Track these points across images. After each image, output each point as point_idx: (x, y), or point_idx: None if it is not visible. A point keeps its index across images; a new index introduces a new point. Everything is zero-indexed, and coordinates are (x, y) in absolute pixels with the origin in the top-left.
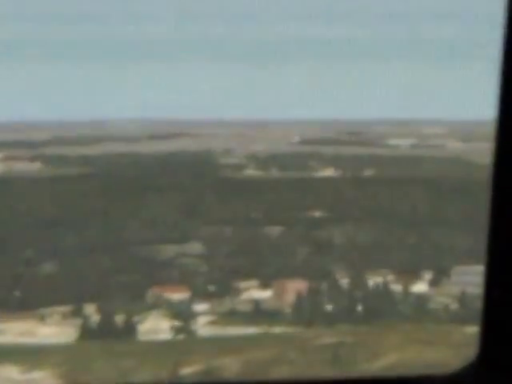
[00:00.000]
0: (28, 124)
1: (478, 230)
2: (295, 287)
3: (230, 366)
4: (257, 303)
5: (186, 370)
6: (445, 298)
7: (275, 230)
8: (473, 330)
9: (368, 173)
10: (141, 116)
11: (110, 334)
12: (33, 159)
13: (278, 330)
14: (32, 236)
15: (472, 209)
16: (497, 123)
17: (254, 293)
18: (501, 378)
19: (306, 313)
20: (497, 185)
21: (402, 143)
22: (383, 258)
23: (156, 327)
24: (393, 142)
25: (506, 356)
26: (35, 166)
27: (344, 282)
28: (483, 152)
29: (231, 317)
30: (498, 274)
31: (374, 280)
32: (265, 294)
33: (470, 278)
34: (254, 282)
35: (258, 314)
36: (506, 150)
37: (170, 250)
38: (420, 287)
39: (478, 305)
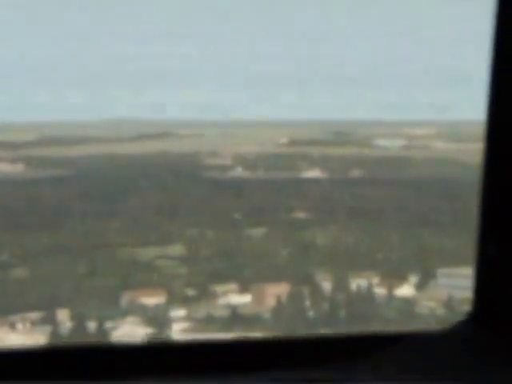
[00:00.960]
0: (11, 124)
1: (466, 231)
2: (275, 291)
3: None
4: (234, 308)
5: None
6: (432, 302)
7: (258, 232)
8: None
9: (355, 173)
10: (127, 116)
11: (82, 341)
12: (14, 161)
13: (256, 336)
14: (4, 239)
15: (461, 210)
16: (486, 123)
17: (233, 297)
18: (494, 335)
19: (287, 318)
20: (487, 182)
21: (390, 144)
22: (368, 260)
23: (130, 333)
24: (381, 142)
25: (500, 313)
26: (17, 168)
27: (326, 285)
28: (471, 152)
29: (208, 322)
30: (491, 229)
31: (357, 283)
32: (243, 299)
33: (458, 281)
34: (233, 286)
35: (236, 319)
36: (495, 150)
37: (148, 253)
38: (405, 291)
39: (465, 309)
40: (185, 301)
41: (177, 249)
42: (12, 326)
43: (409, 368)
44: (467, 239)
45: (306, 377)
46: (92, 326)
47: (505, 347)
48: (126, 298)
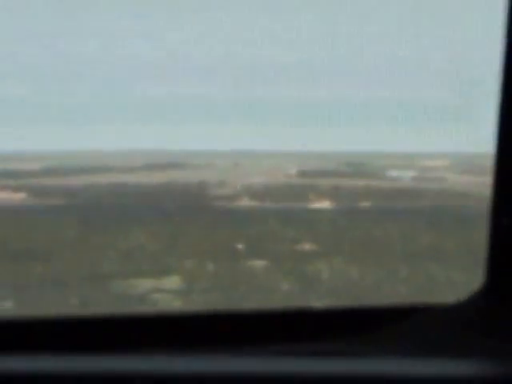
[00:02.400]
0: (16, 154)
1: (475, 264)
2: None
3: None
4: None
5: None
6: None
7: (259, 264)
8: None
9: (365, 204)
10: (135, 147)
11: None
12: (17, 189)
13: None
14: None
15: (470, 242)
16: (495, 157)
17: None
18: (509, 308)
19: None
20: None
21: (401, 175)
22: (374, 293)
23: None
24: (392, 173)
25: None
26: (19, 196)
27: None
28: (482, 184)
29: None
30: (505, 200)
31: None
32: None
33: None
34: None
35: None
36: (504, 182)
37: (144, 285)
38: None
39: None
40: None
41: (172, 281)
42: None
43: (421, 342)
44: (475, 271)
45: (316, 349)
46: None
47: None
48: None
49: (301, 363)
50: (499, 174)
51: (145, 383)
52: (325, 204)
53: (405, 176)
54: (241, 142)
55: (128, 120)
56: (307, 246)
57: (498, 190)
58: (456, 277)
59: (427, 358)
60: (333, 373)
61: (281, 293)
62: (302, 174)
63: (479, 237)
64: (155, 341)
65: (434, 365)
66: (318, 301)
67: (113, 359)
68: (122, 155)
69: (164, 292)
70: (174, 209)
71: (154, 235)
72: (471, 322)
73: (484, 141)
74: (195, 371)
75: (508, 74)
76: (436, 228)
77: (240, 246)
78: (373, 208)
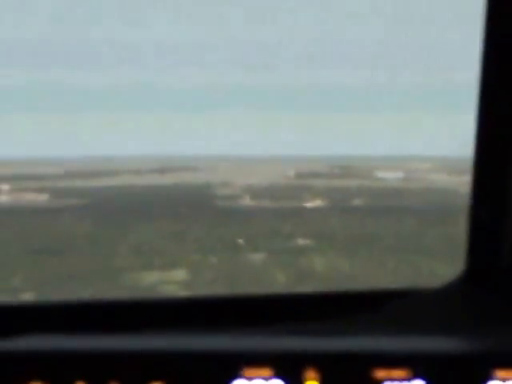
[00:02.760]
0: (38, 159)
1: (455, 255)
2: None
3: None
4: None
5: None
6: None
7: (258, 257)
8: None
9: (356, 203)
10: (146, 152)
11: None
12: (40, 191)
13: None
14: (19, 264)
15: (452, 235)
16: (473, 159)
17: None
18: (486, 292)
19: None
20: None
21: (389, 176)
22: (364, 283)
23: None
24: (381, 174)
25: (491, 271)
26: (42, 198)
27: None
28: (463, 183)
29: None
30: (482, 197)
31: None
32: None
33: None
34: None
35: None
36: (481, 181)
37: (152, 277)
38: None
39: None
40: None
41: (179, 273)
42: None
43: (407, 321)
44: (456, 262)
45: (307, 329)
46: None
47: (495, 303)
48: None
49: (297, 340)
50: (477, 174)
51: (165, 359)
52: (319, 203)
53: (393, 177)
54: (242, 148)
55: (135, 128)
56: (302, 241)
57: (475, 188)
58: (438, 266)
59: (412, 335)
60: (329, 349)
61: (277, 282)
62: (299, 175)
63: (460, 230)
64: (171, 322)
65: (419, 341)
66: (311, 289)
67: (133, 338)
68: (132, 159)
69: (171, 283)
70: (182, 207)
71: (161, 232)
72: (452, 304)
73: (463, 146)
74: (203, 348)
75: (485, 78)
76: (421, 223)
77: (240, 241)
78: (364, 206)
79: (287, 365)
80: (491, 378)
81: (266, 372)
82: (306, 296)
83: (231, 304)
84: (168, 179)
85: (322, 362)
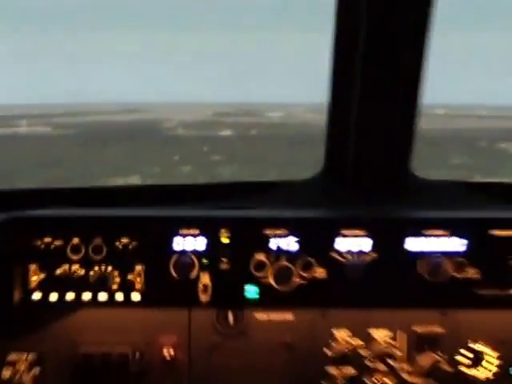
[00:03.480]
0: (49, 104)
1: (317, 158)
2: None
3: None
4: None
5: None
6: None
7: (187, 168)
8: None
9: (252, 133)
10: (115, 99)
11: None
12: (46, 125)
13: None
14: (29, 174)
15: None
16: (328, 103)
17: None
18: (340, 184)
19: None
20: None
21: (274, 115)
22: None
23: None
24: (269, 114)
25: (343, 168)
26: (46, 129)
27: None
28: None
29: None
30: (335, 122)
31: None
32: None
33: None
34: None
35: None
36: (333, 116)
37: (116, 181)
38: None
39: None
40: None
41: (135, 178)
42: None
43: (284, 202)
44: (317, 163)
45: (222, 205)
46: None
47: (344, 188)
48: None
49: (215, 211)
50: (330, 112)
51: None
52: (228, 132)
53: (276, 115)
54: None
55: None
56: (216, 157)
57: (331, 120)
58: (304, 167)
59: (289, 208)
60: (236, 216)
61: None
62: (215, 114)
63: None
64: (138, 200)
65: (294, 212)
66: None
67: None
68: (104, 105)
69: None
70: (137, 135)
71: (124, 151)
72: (315, 190)
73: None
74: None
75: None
76: (294, 144)
77: (176, 158)
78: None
79: (208, 227)
80: (339, 235)
81: (195, 232)
82: (219, 184)
83: (171, 190)
84: (130, 117)
85: (231, 225)
